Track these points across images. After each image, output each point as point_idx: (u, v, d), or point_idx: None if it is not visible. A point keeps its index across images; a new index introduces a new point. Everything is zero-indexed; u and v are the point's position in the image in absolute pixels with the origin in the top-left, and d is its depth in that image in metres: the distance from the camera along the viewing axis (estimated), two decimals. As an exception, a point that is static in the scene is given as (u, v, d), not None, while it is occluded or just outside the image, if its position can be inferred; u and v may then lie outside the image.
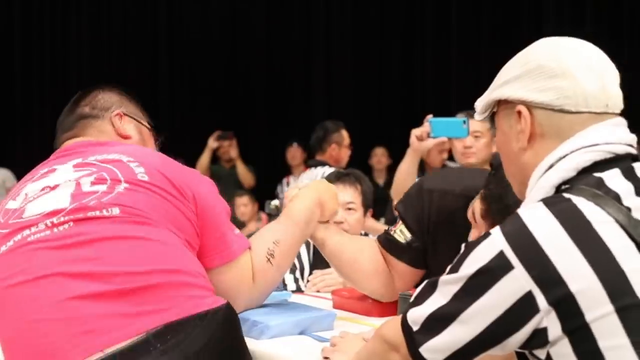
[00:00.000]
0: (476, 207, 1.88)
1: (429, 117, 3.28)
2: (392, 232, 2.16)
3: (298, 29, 8.82)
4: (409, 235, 2.13)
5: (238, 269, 1.80)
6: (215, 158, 7.45)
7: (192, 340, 1.47)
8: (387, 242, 2.16)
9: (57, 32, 8.55)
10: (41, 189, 1.66)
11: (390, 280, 2.14)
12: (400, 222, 2.16)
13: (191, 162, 7.38)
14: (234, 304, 1.81)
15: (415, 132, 3.42)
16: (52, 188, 1.65)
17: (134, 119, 1.96)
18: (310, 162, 5.19)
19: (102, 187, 1.63)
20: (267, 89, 8.78)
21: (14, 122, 8.36)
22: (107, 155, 1.73)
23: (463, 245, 1.33)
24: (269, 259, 1.85)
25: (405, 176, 3.40)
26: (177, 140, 8.46)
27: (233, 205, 6.81)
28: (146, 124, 2.00)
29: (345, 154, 5.25)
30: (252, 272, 1.83)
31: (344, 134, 5.25)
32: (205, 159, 7.30)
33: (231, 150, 7.34)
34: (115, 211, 1.58)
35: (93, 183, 1.64)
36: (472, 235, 1.93)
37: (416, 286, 1.42)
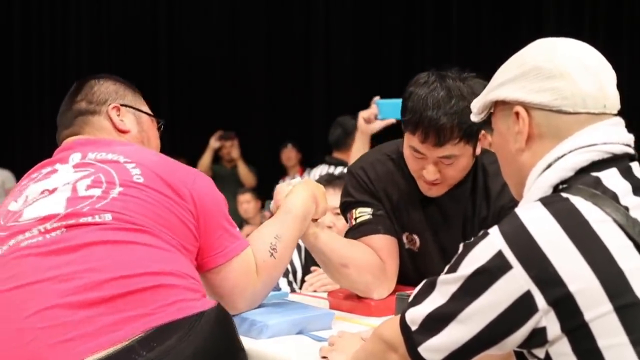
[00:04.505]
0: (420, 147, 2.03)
1: (376, 98, 3.29)
2: (355, 221, 2.20)
3: (298, 29, 8.82)
4: (369, 209, 2.19)
5: (241, 265, 1.80)
6: (217, 158, 7.47)
7: (184, 345, 1.44)
8: (358, 230, 2.19)
9: (57, 32, 8.56)
10: (41, 192, 1.66)
11: (382, 273, 2.14)
12: (353, 209, 2.21)
13: (192, 162, 7.40)
14: (238, 300, 1.82)
15: (362, 115, 3.43)
16: (51, 192, 1.65)
17: (133, 108, 1.92)
18: (328, 159, 5.16)
19: (97, 192, 1.63)
20: (267, 89, 8.78)
21: (13, 122, 8.36)
22: (105, 155, 1.73)
23: (461, 245, 1.33)
24: (272, 254, 1.86)
25: None
26: (178, 141, 8.51)
27: (236, 203, 6.84)
28: (146, 110, 1.95)
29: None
30: (255, 267, 1.83)
31: None
32: (206, 158, 7.32)
33: (233, 150, 7.36)
34: (108, 217, 1.58)
35: (89, 187, 1.64)
36: (430, 172, 2.05)
37: (414, 286, 1.43)
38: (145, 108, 1.96)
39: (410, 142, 2.07)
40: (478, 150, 2.11)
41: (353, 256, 2.11)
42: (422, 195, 2.18)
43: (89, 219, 1.57)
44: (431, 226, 2.20)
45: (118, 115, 1.88)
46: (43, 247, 1.54)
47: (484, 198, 2.16)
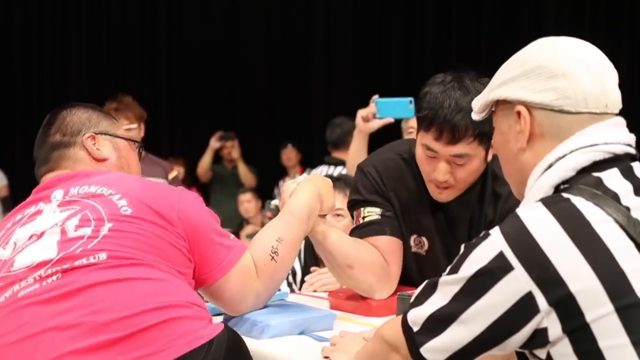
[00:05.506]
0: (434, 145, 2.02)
1: (375, 97, 3.30)
2: (362, 220, 2.19)
3: (298, 29, 8.82)
4: (378, 210, 2.19)
5: (240, 274, 1.79)
6: (217, 158, 7.48)
7: None
8: (364, 230, 2.18)
9: (57, 32, 8.55)
10: (29, 236, 1.63)
11: (385, 274, 2.14)
12: (362, 207, 2.21)
13: (193, 162, 7.41)
14: (241, 305, 1.82)
15: (361, 113, 3.44)
16: (39, 236, 1.62)
17: (108, 134, 1.88)
18: (327, 159, 5.16)
19: (87, 231, 1.60)
20: (267, 89, 8.78)
21: (13, 124, 8.35)
22: (88, 188, 1.70)
23: (462, 246, 1.33)
24: (273, 257, 1.85)
25: (356, 157, 3.35)
26: (178, 141, 8.52)
27: (236, 203, 6.87)
28: (122, 135, 1.92)
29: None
30: (255, 271, 1.82)
31: None
32: (207, 159, 7.34)
33: (233, 150, 7.37)
34: (102, 257, 1.56)
35: (77, 227, 1.61)
36: (441, 171, 2.04)
37: (416, 286, 1.43)
38: (122, 132, 1.92)
39: (423, 140, 2.06)
40: (489, 157, 2.10)
41: (359, 257, 2.11)
42: (432, 198, 2.16)
43: (84, 261, 1.55)
44: (439, 229, 2.19)
45: (94, 144, 1.84)
46: (41, 295, 1.51)
47: (491, 202, 2.15)
